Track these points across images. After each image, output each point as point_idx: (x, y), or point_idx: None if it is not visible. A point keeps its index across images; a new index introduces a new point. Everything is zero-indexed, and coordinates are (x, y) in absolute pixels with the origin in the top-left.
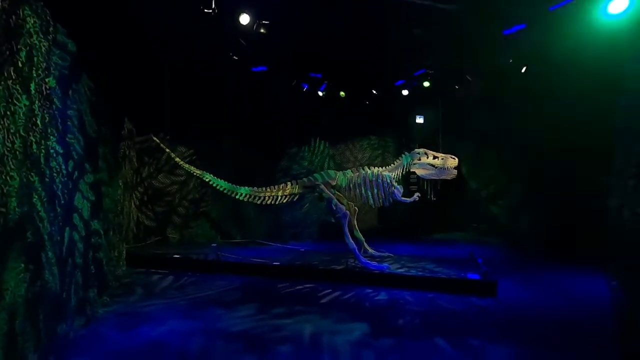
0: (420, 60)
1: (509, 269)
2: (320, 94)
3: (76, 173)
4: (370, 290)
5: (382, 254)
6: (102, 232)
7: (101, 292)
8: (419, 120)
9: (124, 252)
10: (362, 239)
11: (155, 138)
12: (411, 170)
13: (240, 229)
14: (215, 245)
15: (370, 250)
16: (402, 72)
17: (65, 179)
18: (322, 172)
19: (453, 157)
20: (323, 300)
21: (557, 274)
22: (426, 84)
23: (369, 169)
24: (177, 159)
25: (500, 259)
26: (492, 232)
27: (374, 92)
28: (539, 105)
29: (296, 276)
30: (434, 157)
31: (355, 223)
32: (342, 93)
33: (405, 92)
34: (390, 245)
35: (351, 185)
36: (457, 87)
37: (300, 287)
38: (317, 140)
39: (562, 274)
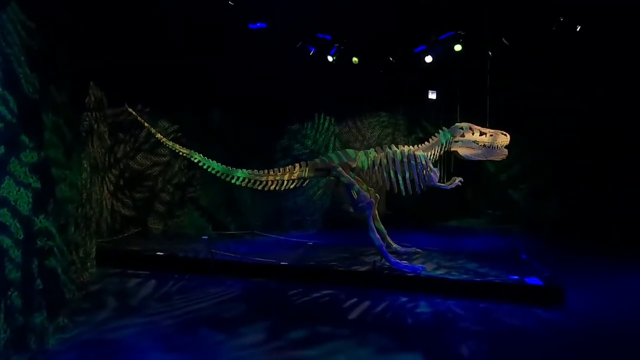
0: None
1: (555, 265)
2: (330, 59)
3: (2, 149)
4: (405, 299)
5: (409, 249)
6: (54, 231)
7: (55, 313)
8: (432, 95)
9: (94, 250)
10: (385, 231)
11: (131, 109)
12: (452, 149)
13: (235, 218)
14: (206, 237)
15: (394, 245)
16: (427, 35)
17: None
18: (338, 152)
19: (504, 133)
20: (351, 315)
21: (613, 271)
22: (458, 47)
23: (397, 147)
24: (159, 136)
25: (538, 252)
26: (510, 219)
27: (391, 59)
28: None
29: (311, 280)
30: (481, 134)
31: (377, 212)
32: (355, 59)
33: (429, 59)
34: (405, 235)
35: (376, 168)
36: (490, 53)
37: (318, 294)
38: (322, 116)
39: (618, 271)
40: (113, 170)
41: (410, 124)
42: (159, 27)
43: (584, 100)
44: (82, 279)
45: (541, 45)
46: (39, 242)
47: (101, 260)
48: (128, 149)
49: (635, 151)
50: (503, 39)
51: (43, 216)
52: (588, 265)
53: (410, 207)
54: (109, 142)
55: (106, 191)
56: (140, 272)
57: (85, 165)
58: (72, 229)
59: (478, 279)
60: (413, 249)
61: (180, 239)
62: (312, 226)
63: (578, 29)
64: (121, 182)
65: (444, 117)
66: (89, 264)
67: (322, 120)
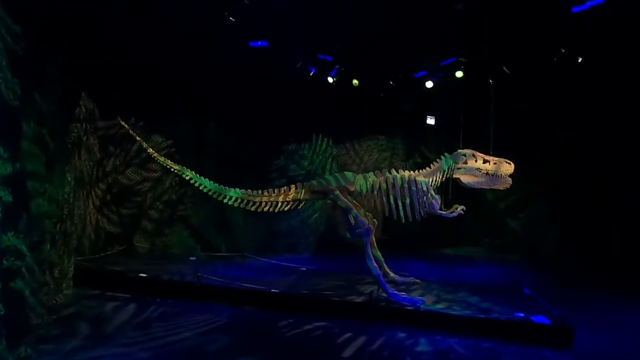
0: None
1: (557, 300)
2: (330, 80)
3: None
4: (404, 335)
5: (407, 279)
6: (24, 249)
7: (17, 342)
8: (430, 121)
9: (72, 269)
10: (382, 258)
11: (123, 122)
12: (454, 176)
13: (226, 239)
14: (194, 258)
15: (392, 274)
16: (428, 60)
17: None
18: (336, 174)
19: (508, 161)
20: (346, 353)
21: (619, 307)
22: (459, 74)
23: (398, 172)
24: (151, 150)
25: (539, 285)
26: (508, 248)
27: (391, 82)
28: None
29: (303, 310)
30: (484, 161)
31: (374, 239)
32: (355, 81)
33: (429, 84)
34: (401, 263)
35: (375, 192)
36: (490, 81)
37: (310, 326)
38: (320, 137)
39: (625, 307)
40: (100, 184)
41: (408, 149)
42: (155, 41)
43: (584, 130)
44: (54, 302)
45: (541, 75)
46: (5, 262)
47: (79, 280)
48: (118, 162)
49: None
50: (504, 67)
51: (12, 233)
52: (593, 301)
53: (407, 233)
54: (98, 155)
55: (91, 206)
56: (120, 294)
57: (69, 179)
58: (48, 247)
59: (482, 316)
60: (411, 279)
61: (167, 259)
62: (306, 250)
63: (580, 61)
64: (108, 197)
65: (443, 143)
66: (64, 284)
67: (319, 142)
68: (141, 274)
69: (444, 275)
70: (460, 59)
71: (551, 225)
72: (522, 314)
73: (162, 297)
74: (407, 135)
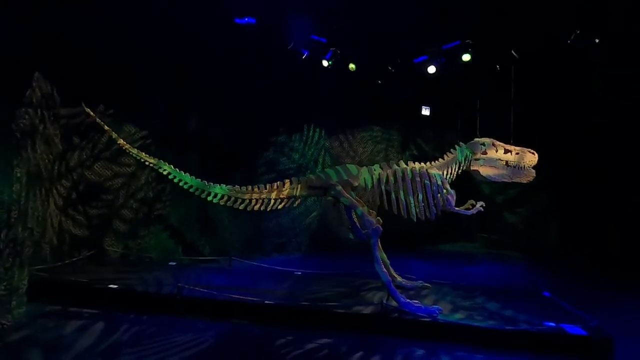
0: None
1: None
2: (325, 63)
3: None
4: (422, 352)
5: (415, 283)
6: None
7: None
8: (425, 112)
9: (25, 282)
10: (388, 261)
11: (89, 110)
12: (472, 168)
13: (210, 240)
14: (174, 263)
15: (399, 278)
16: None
17: None
18: (338, 168)
19: (532, 151)
20: None
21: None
22: (466, 57)
23: (407, 164)
24: (122, 142)
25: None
26: (507, 244)
27: (390, 68)
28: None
29: (303, 324)
30: (505, 151)
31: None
32: (352, 65)
33: (431, 70)
34: (400, 263)
35: (382, 187)
36: (497, 67)
37: (313, 345)
38: (312, 127)
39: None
40: (64, 181)
41: (404, 140)
42: (128, 15)
43: (585, 122)
44: (0, 325)
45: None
46: None
47: (35, 294)
48: (84, 156)
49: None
50: (512, 52)
51: None
52: (609, 300)
53: (402, 229)
54: (60, 147)
55: (53, 206)
56: (86, 310)
57: (19, 175)
58: None
59: (510, 327)
60: (420, 283)
61: (143, 265)
62: (298, 249)
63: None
64: (73, 196)
65: (440, 134)
66: (14, 302)
67: (311, 133)
68: (111, 285)
69: (450, 275)
70: (467, 41)
71: (552, 219)
72: (552, 324)
73: (136, 313)
74: (404, 127)
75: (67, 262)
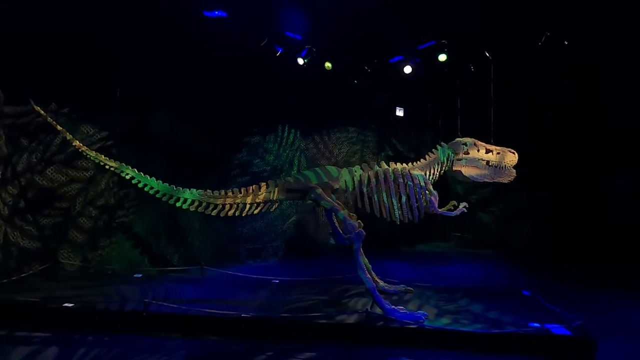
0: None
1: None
2: (301, 62)
3: None
4: None
5: (398, 288)
6: None
7: None
8: (399, 113)
9: None
10: (370, 265)
11: (38, 108)
12: (454, 168)
13: (179, 249)
14: (139, 276)
15: (381, 283)
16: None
17: None
18: (317, 169)
19: (512, 150)
20: None
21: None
22: (442, 57)
23: (389, 165)
24: (77, 144)
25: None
26: (479, 243)
27: (366, 68)
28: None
29: (285, 337)
30: (487, 151)
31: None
32: (328, 64)
33: (407, 70)
34: (378, 265)
35: (363, 189)
36: (472, 67)
37: (294, 359)
38: (286, 128)
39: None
40: (10, 187)
41: (379, 141)
42: (87, 2)
43: (562, 119)
44: None
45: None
46: None
47: None
48: (34, 160)
49: (615, 170)
50: (486, 53)
51: None
52: (586, 297)
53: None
54: (5, 149)
55: None
56: (38, 334)
57: None
58: None
59: (497, 330)
60: (402, 287)
61: (104, 279)
62: (273, 254)
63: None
64: (22, 204)
65: (417, 136)
66: None
67: (286, 133)
68: (66, 304)
69: (429, 277)
70: (443, 41)
71: (524, 218)
72: (537, 324)
73: (96, 334)
74: (379, 127)
75: (14, 278)
